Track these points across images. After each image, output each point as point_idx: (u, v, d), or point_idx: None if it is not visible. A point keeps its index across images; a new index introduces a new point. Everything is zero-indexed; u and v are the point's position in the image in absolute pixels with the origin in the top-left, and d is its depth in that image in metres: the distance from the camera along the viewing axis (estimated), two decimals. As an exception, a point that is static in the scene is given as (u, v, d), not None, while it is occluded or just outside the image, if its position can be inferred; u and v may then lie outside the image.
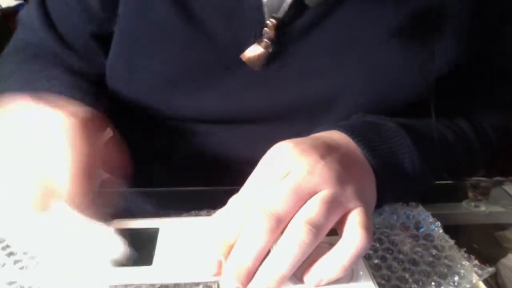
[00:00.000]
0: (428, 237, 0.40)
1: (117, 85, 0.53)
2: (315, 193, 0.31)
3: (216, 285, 0.33)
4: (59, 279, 0.34)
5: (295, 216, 0.30)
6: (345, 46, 0.45)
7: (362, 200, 0.33)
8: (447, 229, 0.41)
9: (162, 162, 0.56)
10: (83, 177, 0.32)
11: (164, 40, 0.46)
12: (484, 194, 0.50)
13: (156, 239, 0.36)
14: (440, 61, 0.46)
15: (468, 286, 0.35)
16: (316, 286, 0.31)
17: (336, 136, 0.39)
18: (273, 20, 0.41)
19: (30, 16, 0.54)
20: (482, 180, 0.51)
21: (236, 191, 0.33)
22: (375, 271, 0.36)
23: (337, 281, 0.31)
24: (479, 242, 0.43)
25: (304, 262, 0.30)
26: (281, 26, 0.42)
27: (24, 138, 0.33)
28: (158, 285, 0.33)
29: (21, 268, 0.36)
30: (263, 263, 0.30)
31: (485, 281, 0.36)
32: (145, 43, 0.47)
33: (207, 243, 0.33)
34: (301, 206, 0.31)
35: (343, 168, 0.33)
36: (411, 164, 0.40)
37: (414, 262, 0.37)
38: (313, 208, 0.30)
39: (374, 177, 0.37)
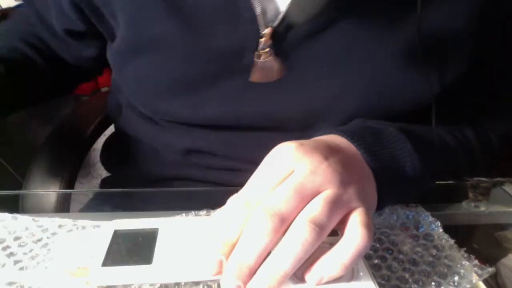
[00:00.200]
0: (428, 237, 0.40)
1: (118, 93, 0.53)
2: (318, 193, 0.32)
3: (216, 285, 0.34)
4: (59, 279, 0.34)
5: (299, 215, 0.30)
6: (344, 57, 0.45)
7: (363, 201, 0.33)
8: (447, 229, 0.41)
9: (162, 162, 0.57)
10: None
11: (163, 50, 0.46)
12: (484, 194, 0.50)
13: (156, 239, 0.36)
14: (441, 71, 0.45)
15: (468, 286, 0.35)
16: (317, 285, 0.31)
17: (337, 140, 0.39)
18: (268, 30, 0.42)
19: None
20: (482, 181, 0.51)
21: (236, 191, 0.33)
22: (375, 271, 0.36)
23: (337, 281, 0.31)
24: (479, 242, 0.43)
25: (304, 261, 0.30)
26: (278, 36, 0.43)
27: None
28: (158, 285, 0.33)
29: (21, 268, 0.36)
30: (265, 262, 0.30)
31: (485, 281, 0.36)
32: (145, 54, 0.47)
33: (207, 243, 0.33)
34: (304, 206, 0.31)
35: (345, 169, 0.34)
36: (411, 169, 0.40)
37: (414, 262, 0.37)
38: (316, 208, 0.30)
39: (375, 181, 0.37)
